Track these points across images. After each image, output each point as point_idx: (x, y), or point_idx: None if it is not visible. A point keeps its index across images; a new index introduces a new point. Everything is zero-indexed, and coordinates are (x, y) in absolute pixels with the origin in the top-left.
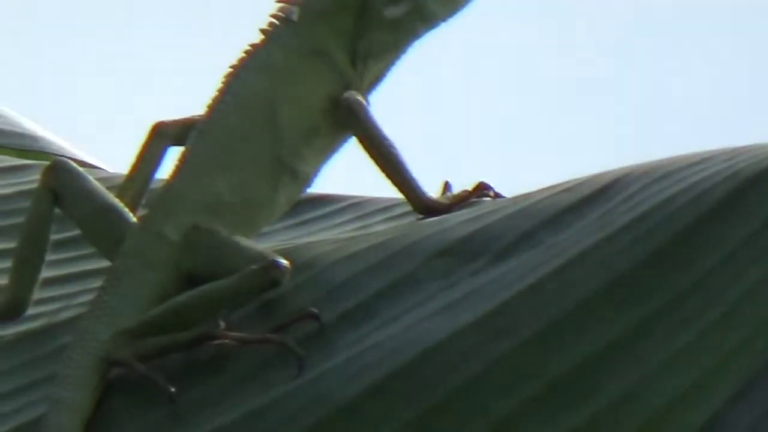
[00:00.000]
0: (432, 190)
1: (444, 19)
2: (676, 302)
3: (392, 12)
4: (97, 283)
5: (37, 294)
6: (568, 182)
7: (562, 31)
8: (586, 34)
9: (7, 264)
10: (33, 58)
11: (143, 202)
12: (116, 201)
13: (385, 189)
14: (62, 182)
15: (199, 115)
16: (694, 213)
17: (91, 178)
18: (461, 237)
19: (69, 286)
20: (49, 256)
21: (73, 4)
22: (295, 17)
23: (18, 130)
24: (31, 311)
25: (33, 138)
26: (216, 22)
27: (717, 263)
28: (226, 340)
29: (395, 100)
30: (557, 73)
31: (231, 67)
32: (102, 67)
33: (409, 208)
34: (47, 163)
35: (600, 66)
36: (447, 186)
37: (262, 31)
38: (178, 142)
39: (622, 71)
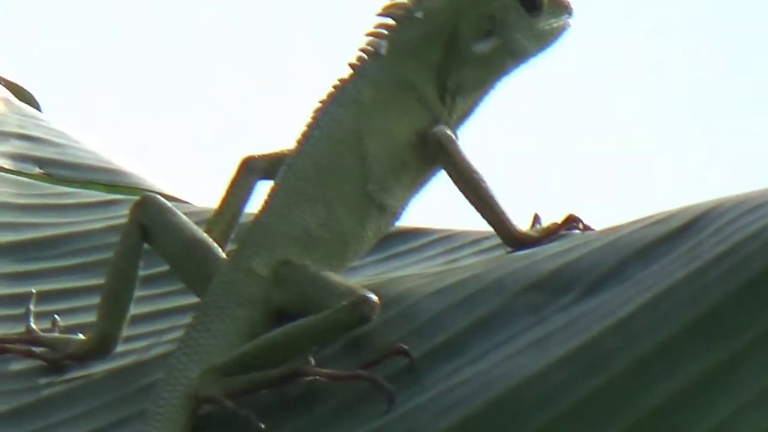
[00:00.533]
0: (522, 222)
1: (533, 55)
2: (765, 338)
3: (481, 47)
4: (187, 319)
5: (127, 331)
6: (657, 215)
7: (653, 59)
8: (677, 64)
9: (96, 300)
10: (125, 95)
11: (232, 236)
12: (205, 236)
13: (474, 222)
14: (151, 217)
15: (288, 150)
16: None
17: (179, 212)
18: (550, 271)
19: (158, 323)
20: (138, 292)
21: (162, 40)
22: (383, 51)
23: (108, 165)
24: (120, 348)
25: (123, 173)
26: (305, 56)
27: None
28: (317, 377)
29: (485, 131)
30: (646, 105)
31: (320, 101)
32: (191, 101)
33: (498, 241)
34: (136, 198)
35: (683, 108)
36: (536, 218)
37: (351, 65)
38: (267, 177)
39: (708, 113)
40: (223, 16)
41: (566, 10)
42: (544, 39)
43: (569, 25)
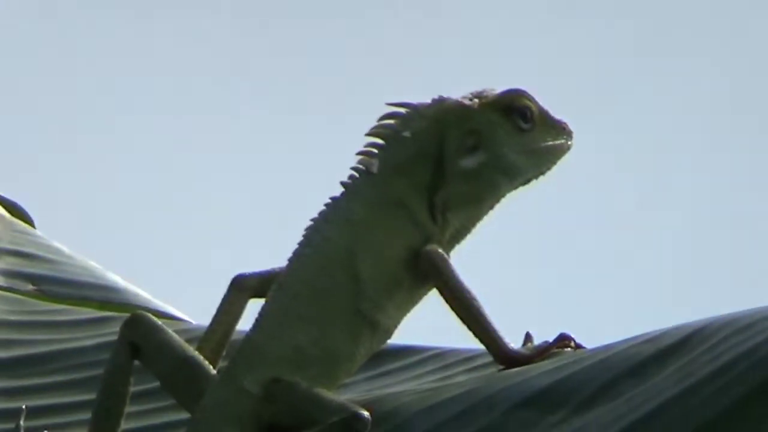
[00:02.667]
0: (514, 341)
1: (532, 176)
2: None
3: (468, 163)
4: None
5: None
6: (648, 333)
7: (642, 177)
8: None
9: (87, 416)
10: (120, 211)
11: (224, 354)
12: (196, 354)
13: (467, 340)
14: (141, 335)
15: (279, 268)
16: None
17: (170, 331)
18: (542, 388)
19: None
20: (130, 408)
21: (159, 155)
22: (375, 169)
23: (101, 281)
24: None
25: (116, 290)
26: (296, 174)
27: None
28: None
29: (476, 251)
30: (634, 220)
31: (312, 219)
32: (184, 219)
33: (491, 359)
34: (128, 315)
35: (673, 217)
36: (528, 337)
37: (343, 183)
38: (258, 295)
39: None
40: (219, 127)
41: (562, 131)
42: (540, 157)
43: (569, 146)
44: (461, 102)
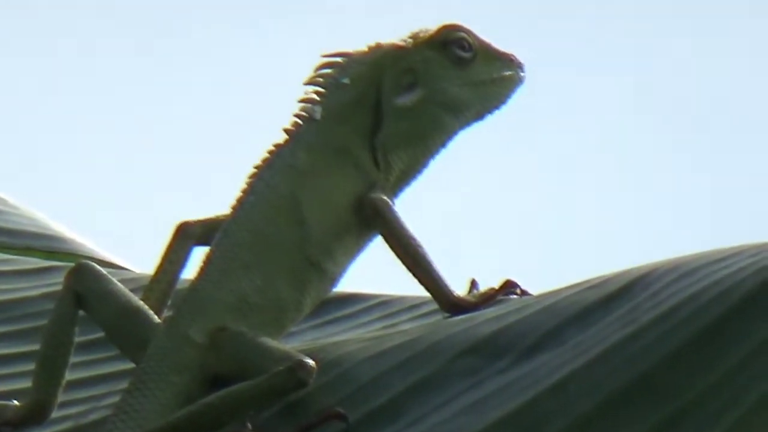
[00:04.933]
0: (459, 287)
1: (482, 109)
2: (701, 400)
3: (405, 100)
4: (123, 384)
5: (63, 397)
6: (593, 279)
7: (600, 128)
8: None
9: (31, 367)
10: (62, 159)
11: (169, 303)
12: (141, 303)
13: (412, 287)
14: (85, 284)
15: (223, 215)
16: (719, 309)
17: (115, 280)
18: (488, 335)
19: (95, 389)
20: (75, 358)
21: (96, 99)
22: (318, 116)
23: (47, 231)
24: (56, 414)
25: (61, 239)
26: (238, 120)
27: (743, 360)
28: None
29: (423, 197)
30: (585, 169)
31: (255, 167)
32: (127, 166)
33: (436, 306)
34: (72, 264)
35: (615, 164)
36: (474, 284)
37: (286, 130)
38: (202, 242)
39: (642, 168)
40: (160, 79)
41: (510, 63)
42: (486, 89)
43: (520, 77)
44: (396, 44)
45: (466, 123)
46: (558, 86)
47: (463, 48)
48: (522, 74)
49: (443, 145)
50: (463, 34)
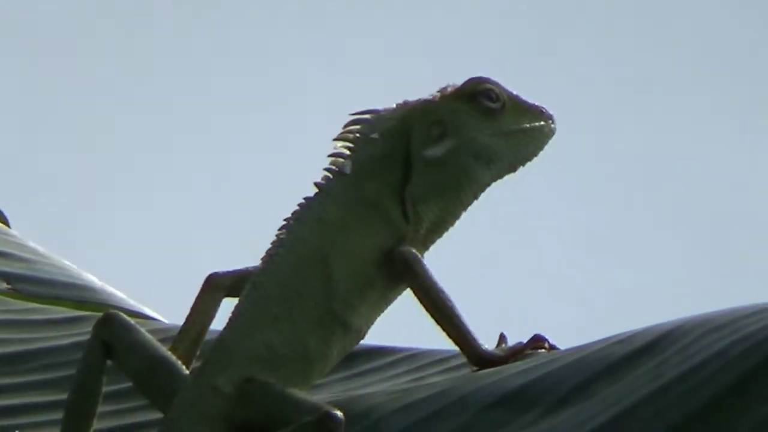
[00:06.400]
0: (488, 342)
1: (514, 160)
2: None
3: (435, 151)
4: None
5: None
6: (621, 334)
7: (612, 185)
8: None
9: (59, 416)
10: (93, 209)
11: (198, 354)
12: (169, 354)
13: (440, 341)
14: (114, 335)
15: (253, 267)
16: (749, 363)
17: (143, 330)
18: (515, 388)
19: None
20: (103, 408)
21: (125, 153)
22: (347, 170)
23: (76, 281)
24: None
25: (91, 290)
26: (268, 174)
27: None
28: None
29: (452, 251)
30: (608, 224)
31: (285, 220)
32: (160, 219)
33: (464, 360)
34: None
35: (646, 218)
36: (503, 338)
37: (316, 184)
38: (232, 294)
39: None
40: (197, 126)
41: (540, 114)
42: (517, 139)
43: (552, 129)
44: (423, 99)
45: (498, 174)
46: (584, 138)
47: (491, 99)
48: (553, 126)
49: (474, 196)
50: (490, 86)
